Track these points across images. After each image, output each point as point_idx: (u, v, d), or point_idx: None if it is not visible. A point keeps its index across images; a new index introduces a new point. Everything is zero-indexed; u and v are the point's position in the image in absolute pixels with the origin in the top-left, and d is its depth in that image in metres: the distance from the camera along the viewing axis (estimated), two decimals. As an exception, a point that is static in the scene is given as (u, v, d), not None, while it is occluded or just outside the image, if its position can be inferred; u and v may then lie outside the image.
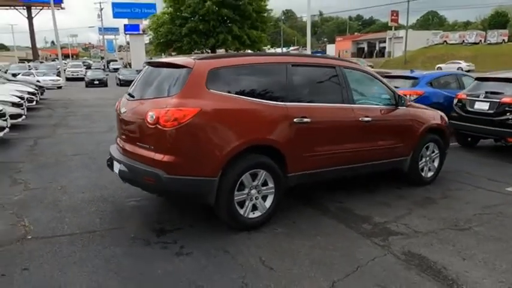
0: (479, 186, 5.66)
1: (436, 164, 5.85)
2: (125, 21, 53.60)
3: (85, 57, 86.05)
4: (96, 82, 29.20)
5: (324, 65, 4.89)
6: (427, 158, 5.72)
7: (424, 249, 3.71)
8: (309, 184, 5.01)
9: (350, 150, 4.77)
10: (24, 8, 66.34)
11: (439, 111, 6.12)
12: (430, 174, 5.80)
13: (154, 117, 3.71)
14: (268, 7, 23.97)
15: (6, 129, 8.46)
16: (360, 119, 4.80)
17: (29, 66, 38.48)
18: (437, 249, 3.72)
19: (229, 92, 3.96)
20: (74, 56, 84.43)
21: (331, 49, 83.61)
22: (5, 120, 8.27)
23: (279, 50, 68.75)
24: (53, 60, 60.29)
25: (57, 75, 30.78)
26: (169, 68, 4.17)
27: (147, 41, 44.73)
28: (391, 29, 64.91)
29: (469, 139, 8.39)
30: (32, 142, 8.76)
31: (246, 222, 4.06)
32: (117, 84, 30.52)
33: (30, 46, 71.84)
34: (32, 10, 66.83)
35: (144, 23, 39.12)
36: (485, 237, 4.01)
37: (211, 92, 3.84)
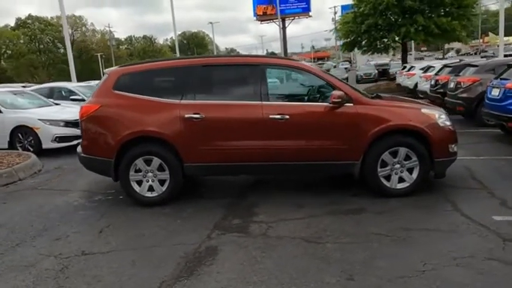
0: (458, 208, 4.35)
1: (414, 175, 4.78)
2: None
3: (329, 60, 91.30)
4: None
5: (243, 64, 5.04)
6: (396, 166, 4.78)
7: (224, 247, 3.72)
8: (215, 175, 5.48)
9: (260, 148, 4.77)
10: (280, 20, 78.64)
11: (437, 110, 4.94)
12: (402, 185, 4.81)
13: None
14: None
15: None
16: (271, 116, 4.71)
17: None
18: (237, 251, 3.65)
19: (132, 92, 4.91)
20: (326, 58, 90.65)
21: None
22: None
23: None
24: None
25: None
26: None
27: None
28: None
29: None
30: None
31: (140, 199, 4.92)
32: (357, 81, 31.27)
33: (283, 51, 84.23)
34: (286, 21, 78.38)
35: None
36: (312, 253, 3.53)
37: (114, 93, 4.92)
